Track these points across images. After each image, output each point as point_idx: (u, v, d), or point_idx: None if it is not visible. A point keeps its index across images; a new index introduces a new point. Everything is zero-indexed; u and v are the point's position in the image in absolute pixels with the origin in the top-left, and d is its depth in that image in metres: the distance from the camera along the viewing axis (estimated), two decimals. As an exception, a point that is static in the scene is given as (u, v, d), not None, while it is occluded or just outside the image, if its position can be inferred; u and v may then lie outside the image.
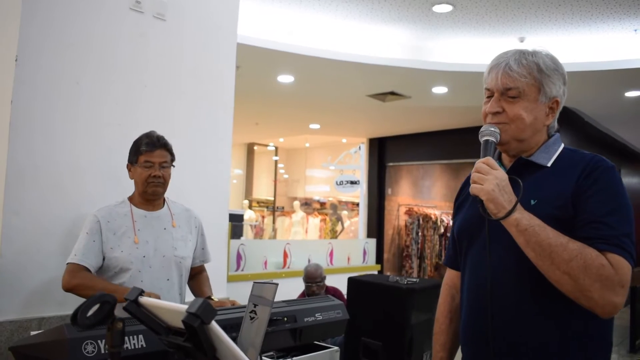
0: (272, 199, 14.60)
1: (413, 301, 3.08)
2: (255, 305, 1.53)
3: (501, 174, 1.35)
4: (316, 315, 1.92)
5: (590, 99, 7.60)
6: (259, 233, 12.24)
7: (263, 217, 13.96)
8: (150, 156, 2.31)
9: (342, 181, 7.59)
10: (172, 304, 0.84)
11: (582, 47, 6.21)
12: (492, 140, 1.44)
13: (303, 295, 4.48)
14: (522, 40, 6.16)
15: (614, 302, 1.24)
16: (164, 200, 2.45)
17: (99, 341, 1.32)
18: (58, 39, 2.61)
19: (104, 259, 2.25)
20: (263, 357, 1.81)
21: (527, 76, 1.44)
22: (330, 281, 4.74)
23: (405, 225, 11.52)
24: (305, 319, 1.87)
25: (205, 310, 0.73)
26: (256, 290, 1.54)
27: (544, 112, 1.46)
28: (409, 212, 11.59)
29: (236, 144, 13.64)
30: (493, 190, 1.32)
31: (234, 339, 1.58)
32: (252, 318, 1.54)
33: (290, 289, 4.95)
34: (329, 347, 2.09)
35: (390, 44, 6.35)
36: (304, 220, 12.55)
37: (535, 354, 1.36)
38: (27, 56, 2.50)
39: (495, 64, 1.51)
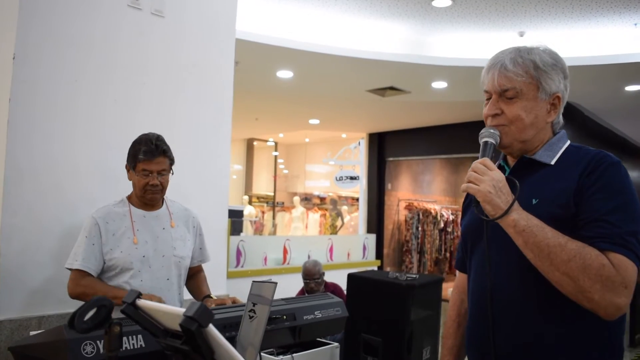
0: (272, 194, 14.60)
1: (413, 297, 3.07)
2: (254, 304, 1.53)
3: (498, 175, 1.33)
4: (315, 313, 1.92)
5: (590, 94, 7.59)
6: (259, 228, 12.25)
7: (263, 212, 13.96)
8: (148, 165, 2.27)
9: (341, 177, 7.59)
10: (170, 307, 0.84)
11: (582, 41, 6.20)
12: (491, 141, 1.43)
13: (302, 291, 4.49)
14: (521, 34, 6.14)
15: (617, 303, 1.20)
16: (163, 200, 2.45)
17: (97, 342, 1.32)
18: (55, 37, 2.60)
19: (104, 260, 2.24)
20: (263, 354, 1.81)
21: (523, 75, 1.41)
22: (331, 277, 4.75)
23: (405, 220, 11.53)
24: (305, 317, 1.87)
25: (202, 313, 0.73)
26: (255, 289, 1.54)
27: (545, 109, 1.43)
28: (409, 207, 11.59)
29: (236, 140, 13.63)
30: (489, 191, 1.30)
31: (234, 338, 1.59)
32: (251, 317, 1.54)
33: (290, 285, 4.96)
34: (329, 344, 2.09)
35: (389, 38, 6.33)
36: (304, 215, 12.55)
37: (538, 358, 1.33)
38: (24, 54, 2.49)
39: (491, 64, 1.47)
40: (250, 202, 13.23)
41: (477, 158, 1.42)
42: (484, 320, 1.42)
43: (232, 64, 3.45)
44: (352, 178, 7.49)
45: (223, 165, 3.38)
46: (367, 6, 5.62)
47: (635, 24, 5.80)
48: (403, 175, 11.92)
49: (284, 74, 6.92)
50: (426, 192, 12.65)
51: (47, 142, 2.57)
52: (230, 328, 1.65)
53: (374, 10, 5.71)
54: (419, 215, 11.45)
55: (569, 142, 1.47)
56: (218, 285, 3.22)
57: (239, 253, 5.13)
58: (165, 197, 2.45)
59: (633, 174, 12.39)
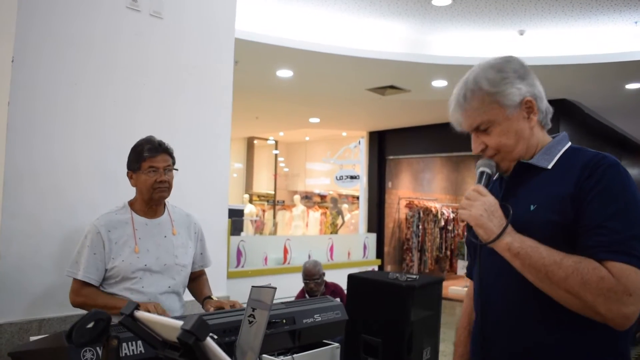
0: (273, 192, 14.60)
1: (413, 298, 3.08)
2: (253, 309, 1.53)
3: (490, 200, 1.33)
4: (315, 316, 1.92)
5: (590, 91, 7.58)
6: (259, 227, 12.25)
7: (264, 210, 13.96)
8: (153, 161, 2.27)
9: (342, 176, 7.59)
10: (168, 319, 0.84)
11: (583, 40, 6.19)
12: (487, 171, 1.43)
13: (302, 291, 4.49)
14: (522, 33, 6.13)
15: (624, 313, 1.17)
16: (165, 205, 2.43)
17: (97, 349, 1.32)
18: (54, 39, 2.60)
19: (105, 269, 2.23)
20: (263, 355, 1.81)
21: (481, 106, 1.39)
22: (331, 276, 4.75)
23: (406, 219, 11.54)
24: (304, 321, 1.87)
25: (200, 327, 0.73)
26: (254, 294, 1.54)
27: (522, 118, 1.40)
28: (410, 205, 11.60)
29: (236, 138, 13.63)
30: (481, 215, 1.30)
31: (233, 342, 1.59)
32: (250, 322, 1.54)
33: (291, 285, 4.96)
34: (330, 344, 2.09)
35: (389, 37, 6.32)
36: (304, 214, 12.55)
37: None
38: (23, 57, 2.48)
39: (451, 107, 1.46)
40: (250, 201, 13.23)
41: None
42: (483, 328, 1.43)
43: (232, 65, 3.44)
44: (352, 177, 7.49)
45: (223, 166, 3.38)
46: (367, 5, 5.61)
47: (636, 22, 5.80)
48: (403, 173, 11.92)
49: (284, 73, 6.92)
50: (427, 191, 12.65)
51: (47, 144, 2.57)
52: (230, 333, 1.65)
53: (374, 9, 5.71)
54: (419, 213, 11.45)
55: (568, 145, 1.43)
56: (218, 286, 3.22)
57: (239, 253, 5.13)
58: (166, 201, 2.44)
59: (633, 172, 12.39)
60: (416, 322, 3.10)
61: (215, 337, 1.61)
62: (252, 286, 1.54)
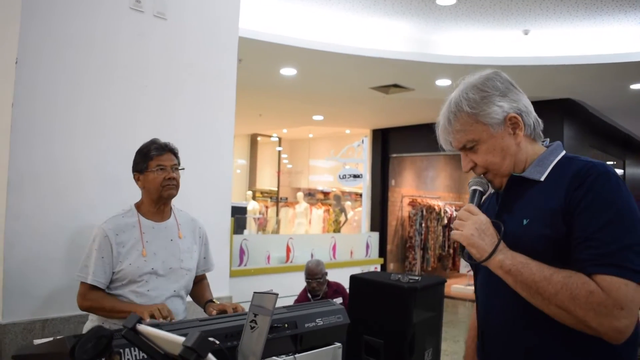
0: (276, 189, 14.61)
1: (415, 299, 3.08)
2: (255, 315, 1.55)
3: (481, 218, 1.33)
4: (317, 320, 1.93)
5: (595, 91, 7.56)
6: (262, 224, 12.26)
7: (267, 207, 13.97)
8: (161, 160, 2.29)
9: (345, 175, 7.59)
10: (170, 334, 0.85)
11: (588, 40, 6.17)
12: (479, 189, 1.44)
13: (305, 290, 4.50)
14: (526, 32, 6.11)
15: (616, 327, 1.14)
16: (171, 209, 2.44)
17: None
18: (58, 40, 2.61)
19: (113, 272, 2.23)
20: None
21: (464, 127, 1.41)
22: (334, 275, 4.76)
23: (409, 217, 11.53)
24: (306, 325, 1.88)
25: (201, 344, 0.73)
26: (256, 300, 1.55)
27: (507, 135, 1.39)
28: (413, 204, 11.59)
29: (239, 135, 13.64)
30: (472, 234, 1.30)
31: (235, 347, 1.60)
32: (252, 327, 1.55)
33: (294, 284, 4.97)
34: (332, 344, 2.10)
35: (393, 36, 6.31)
36: (307, 211, 12.56)
37: None
38: (27, 58, 2.49)
39: (439, 129, 1.50)
40: (254, 197, 13.25)
41: None
42: (483, 339, 1.45)
43: (235, 65, 3.44)
44: (355, 176, 7.49)
45: (226, 166, 3.39)
46: (371, 4, 5.60)
47: (641, 22, 5.77)
48: (407, 171, 11.91)
49: (288, 71, 6.92)
50: (430, 189, 12.65)
51: (51, 146, 2.58)
52: (232, 337, 1.66)
53: (378, 8, 5.70)
54: (422, 211, 11.45)
55: (562, 154, 1.40)
56: (221, 287, 3.24)
57: (242, 252, 5.14)
58: (173, 205, 2.45)
59: (637, 171, 12.35)
60: (418, 323, 3.11)
61: (217, 342, 1.62)
62: (254, 292, 1.55)
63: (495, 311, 1.41)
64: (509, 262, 1.26)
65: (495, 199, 1.51)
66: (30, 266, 2.49)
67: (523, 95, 1.43)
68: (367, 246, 6.86)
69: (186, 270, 2.37)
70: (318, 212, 12.64)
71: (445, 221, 11.70)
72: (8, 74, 2.49)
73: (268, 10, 5.73)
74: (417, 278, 3.23)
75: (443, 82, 7.21)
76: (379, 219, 10.97)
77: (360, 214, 9.87)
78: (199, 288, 2.51)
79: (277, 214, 13.50)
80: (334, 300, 4.38)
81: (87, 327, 2.30)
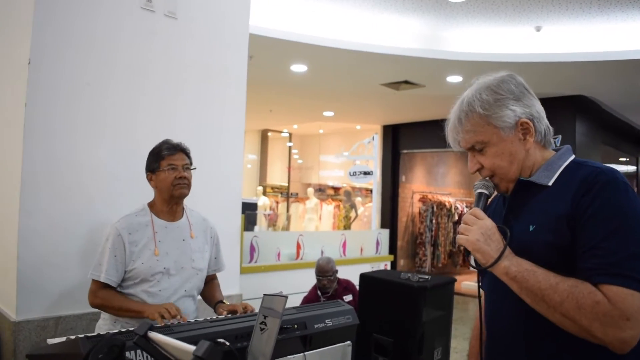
0: (286, 185, 14.63)
1: (424, 298, 3.08)
2: (265, 317, 1.56)
3: (487, 223, 1.32)
4: (326, 321, 1.94)
5: (607, 88, 7.49)
6: (273, 219, 12.29)
7: (277, 202, 14.00)
8: (172, 159, 2.32)
9: (355, 172, 7.59)
10: (180, 342, 0.86)
11: (600, 36, 6.11)
12: (485, 192, 1.42)
13: (315, 287, 4.51)
14: (538, 29, 6.06)
15: (621, 338, 1.14)
16: (183, 209, 2.46)
17: None
18: (69, 40, 2.63)
19: (125, 271, 2.26)
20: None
21: (474, 128, 1.39)
22: (344, 272, 4.76)
23: (419, 213, 11.51)
24: (315, 326, 1.89)
25: (211, 353, 0.74)
26: (266, 302, 1.57)
27: (517, 140, 1.38)
28: (423, 200, 11.57)
29: (250, 131, 13.67)
30: (478, 240, 1.29)
31: (245, 348, 1.62)
32: (262, 329, 1.57)
33: (304, 281, 4.99)
34: (342, 342, 2.11)
35: (404, 33, 6.29)
36: (317, 207, 12.56)
37: None
38: (39, 59, 2.52)
39: (448, 127, 1.47)
40: (264, 193, 13.27)
41: None
42: (490, 342, 1.46)
43: (246, 63, 3.45)
44: (365, 173, 7.49)
45: (236, 165, 3.40)
46: (382, 1, 5.59)
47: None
48: (417, 167, 11.88)
49: (298, 68, 6.92)
50: (440, 185, 12.61)
51: (63, 144, 2.60)
52: (242, 338, 1.68)
53: (389, 5, 5.68)
54: (433, 207, 11.42)
55: (571, 158, 1.39)
56: (231, 285, 3.26)
57: (252, 249, 5.17)
58: (185, 205, 2.47)
59: (651, 167, 12.24)
60: (427, 322, 3.10)
61: (227, 343, 1.64)
62: (264, 294, 1.56)
63: (501, 315, 1.42)
64: (515, 269, 1.25)
65: (502, 203, 1.50)
66: (44, 263, 2.53)
67: (537, 101, 1.42)
68: (377, 243, 6.86)
69: (197, 270, 2.39)
70: (328, 208, 12.64)
71: (456, 217, 11.67)
72: (21, 75, 2.52)
73: (279, 7, 5.73)
74: (427, 277, 3.23)
75: (454, 78, 7.18)
76: (390, 215, 10.96)
77: (370, 209, 9.86)
78: (209, 288, 2.53)
79: (288, 210, 13.52)
80: (344, 297, 4.40)
81: (99, 325, 2.33)
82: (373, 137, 7.60)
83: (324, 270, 4.40)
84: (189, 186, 2.36)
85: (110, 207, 2.67)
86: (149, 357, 1.44)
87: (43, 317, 2.51)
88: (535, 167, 1.40)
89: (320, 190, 14.38)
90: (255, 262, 5.20)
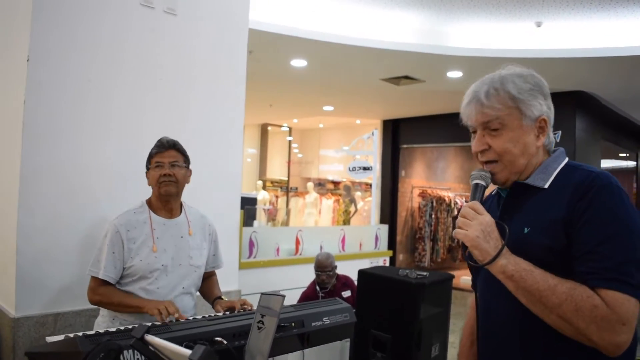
0: (286, 179, 14.63)
1: (422, 295, 3.09)
2: (262, 316, 1.57)
3: (486, 219, 1.31)
4: (324, 319, 1.95)
5: (607, 84, 7.48)
6: (272, 214, 12.29)
7: (277, 197, 14.00)
8: (160, 157, 2.33)
9: (355, 167, 7.59)
10: (176, 346, 0.87)
11: (600, 32, 6.09)
12: (482, 184, 1.40)
13: (314, 283, 4.52)
14: (539, 24, 6.05)
15: (616, 342, 1.16)
16: (181, 205, 2.46)
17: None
18: (69, 37, 2.63)
19: (123, 268, 2.27)
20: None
21: (501, 107, 1.36)
22: (343, 267, 4.77)
23: (419, 208, 11.52)
24: (313, 324, 1.91)
25: (206, 358, 0.75)
26: (264, 301, 1.58)
27: (533, 134, 1.38)
28: (423, 194, 11.57)
29: (250, 125, 13.66)
30: (477, 236, 1.28)
31: (243, 347, 1.63)
32: (259, 328, 1.58)
33: (303, 276, 5.00)
34: (339, 339, 2.13)
35: (404, 28, 6.28)
36: (317, 201, 12.56)
37: None
38: (38, 56, 2.52)
39: (468, 100, 1.42)
40: (264, 187, 13.27)
41: None
42: (484, 343, 1.47)
43: (245, 59, 3.45)
44: (365, 168, 7.49)
45: (235, 162, 3.40)
46: (382, -4, 5.57)
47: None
48: (417, 162, 11.88)
49: (298, 62, 6.90)
50: (440, 180, 12.61)
51: (62, 141, 2.61)
52: (240, 337, 1.69)
53: None
54: (432, 202, 11.43)
55: (565, 161, 1.40)
56: (230, 281, 3.27)
57: (251, 244, 5.17)
58: (183, 202, 2.47)
59: (651, 163, 12.24)
60: (425, 319, 3.12)
61: (225, 342, 1.65)
62: (262, 294, 1.57)
63: (495, 313, 1.42)
64: (512, 268, 1.25)
65: (496, 203, 1.50)
66: (44, 260, 2.54)
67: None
68: (376, 238, 6.87)
69: (195, 267, 2.40)
70: (328, 203, 12.65)
71: (455, 212, 11.68)
72: (19, 72, 2.52)
73: (279, 1, 5.72)
74: (425, 274, 3.24)
75: (454, 74, 7.16)
76: (389, 210, 10.97)
77: (370, 203, 9.87)
78: (207, 284, 2.54)
79: (287, 204, 13.52)
80: (343, 293, 4.41)
81: (98, 322, 2.34)
82: (372, 133, 7.59)
83: (323, 266, 4.41)
84: (175, 183, 2.33)
85: (110, 205, 2.68)
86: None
87: (42, 314, 2.52)
88: (533, 169, 1.40)
89: (320, 184, 14.38)
90: (255, 257, 5.20)
